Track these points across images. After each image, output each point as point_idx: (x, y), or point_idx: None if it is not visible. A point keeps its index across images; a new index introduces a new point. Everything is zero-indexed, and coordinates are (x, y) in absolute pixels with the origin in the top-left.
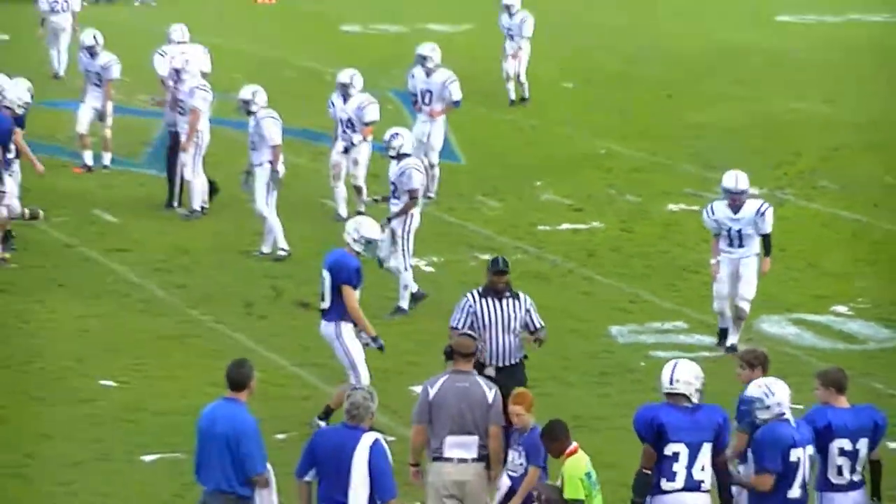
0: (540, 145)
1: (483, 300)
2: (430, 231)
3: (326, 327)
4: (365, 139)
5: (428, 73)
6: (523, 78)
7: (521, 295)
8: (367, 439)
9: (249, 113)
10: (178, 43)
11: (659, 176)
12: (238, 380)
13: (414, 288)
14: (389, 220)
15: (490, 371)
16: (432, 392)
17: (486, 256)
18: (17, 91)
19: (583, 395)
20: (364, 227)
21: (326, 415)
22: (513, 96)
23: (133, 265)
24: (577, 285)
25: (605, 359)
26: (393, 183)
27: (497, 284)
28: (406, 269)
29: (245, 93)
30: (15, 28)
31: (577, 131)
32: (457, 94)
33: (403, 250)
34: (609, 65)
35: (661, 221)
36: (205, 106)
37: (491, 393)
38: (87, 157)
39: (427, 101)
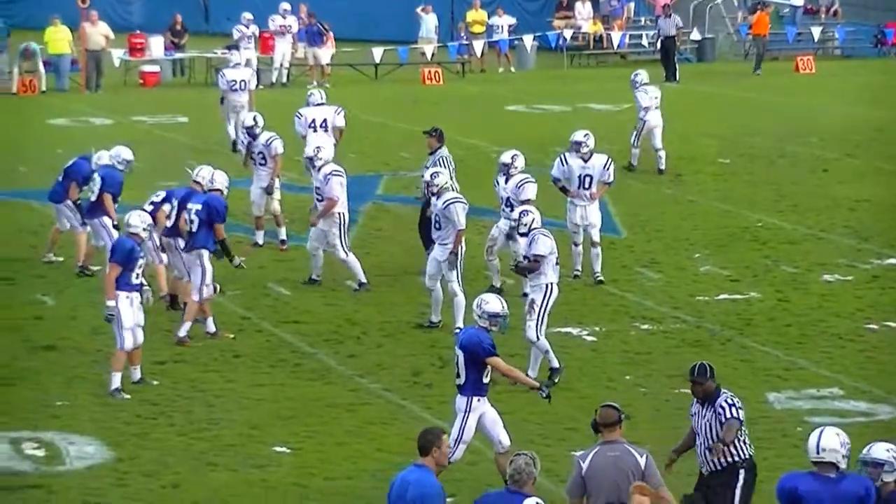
0: (698, 218)
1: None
2: (593, 302)
3: (460, 401)
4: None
5: (585, 159)
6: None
7: (726, 406)
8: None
9: (433, 195)
10: (316, 105)
11: (814, 247)
12: (422, 444)
13: (554, 363)
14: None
15: None
16: (585, 466)
17: (646, 327)
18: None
19: None
20: (487, 303)
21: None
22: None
23: (305, 336)
24: (735, 353)
25: (763, 424)
26: (526, 257)
27: (694, 392)
28: (537, 338)
29: (427, 175)
30: (196, 110)
31: (734, 205)
32: (612, 177)
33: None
34: (765, 141)
35: (817, 291)
36: (341, 192)
37: (642, 459)
38: (259, 236)
39: (588, 185)
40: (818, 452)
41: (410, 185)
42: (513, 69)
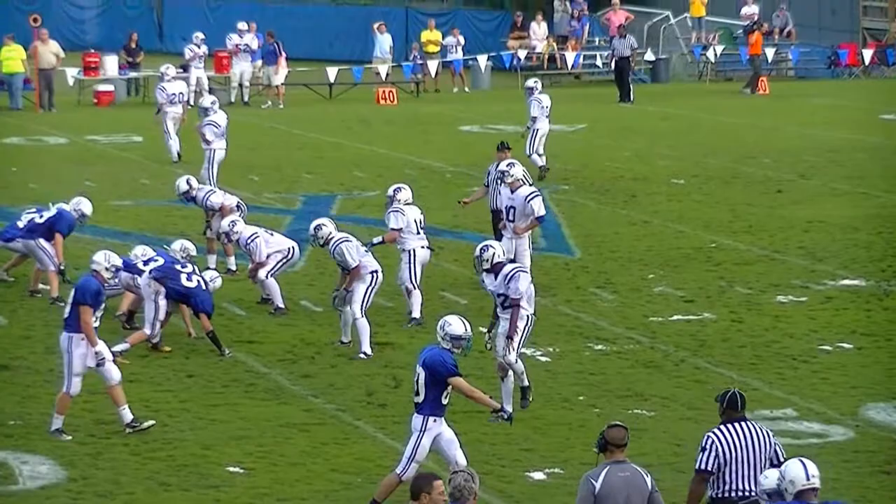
0: (652, 239)
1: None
2: (547, 322)
3: (416, 420)
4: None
5: (512, 190)
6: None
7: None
8: None
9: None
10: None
11: (768, 268)
12: (413, 489)
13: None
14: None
15: None
16: (598, 485)
17: (600, 347)
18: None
19: None
20: (450, 325)
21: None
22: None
23: (259, 356)
24: (688, 374)
25: None
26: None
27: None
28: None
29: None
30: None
31: (688, 226)
32: (538, 210)
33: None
34: (719, 162)
35: (771, 313)
36: (266, 250)
37: (649, 479)
38: (211, 260)
39: (511, 217)
40: (809, 479)
41: (365, 204)
42: (467, 89)
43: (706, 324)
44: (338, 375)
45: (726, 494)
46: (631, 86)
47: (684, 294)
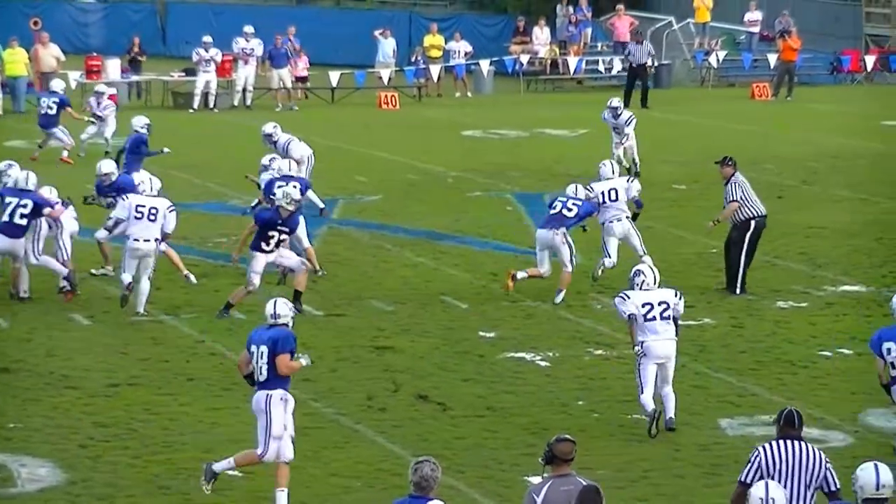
0: (653, 244)
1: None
2: (547, 327)
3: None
4: None
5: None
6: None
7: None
8: None
9: None
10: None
11: (769, 274)
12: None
13: None
14: None
15: None
16: (539, 499)
17: (601, 352)
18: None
19: (694, 486)
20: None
21: None
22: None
23: None
24: (688, 379)
25: (715, 450)
26: None
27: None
28: None
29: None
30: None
31: (689, 231)
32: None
33: None
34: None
35: (771, 318)
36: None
37: (599, 497)
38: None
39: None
40: (878, 489)
41: (366, 209)
42: (469, 94)
43: (706, 329)
44: (338, 380)
45: None
46: (647, 92)
47: (685, 299)
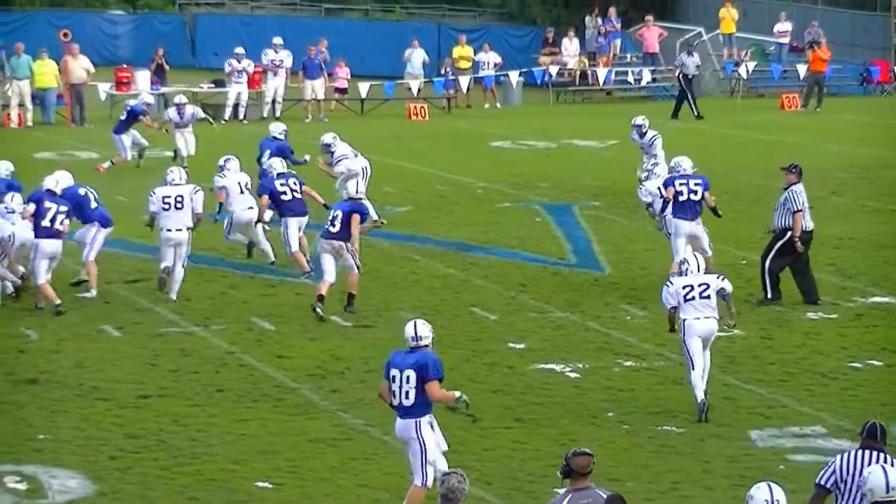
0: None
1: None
2: (576, 338)
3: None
4: None
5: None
6: None
7: None
8: None
9: None
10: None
11: None
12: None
13: None
14: None
15: None
16: None
17: (630, 363)
18: None
19: (723, 497)
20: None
21: None
22: None
23: (288, 371)
24: (717, 391)
25: (745, 462)
26: None
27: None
28: None
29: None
30: None
31: (719, 242)
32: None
33: None
34: (750, 178)
35: (801, 329)
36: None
37: None
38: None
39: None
40: (888, 491)
41: (395, 220)
42: (498, 105)
43: (735, 340)
44: (367, 390)
45: None
46: (695, 100)
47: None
